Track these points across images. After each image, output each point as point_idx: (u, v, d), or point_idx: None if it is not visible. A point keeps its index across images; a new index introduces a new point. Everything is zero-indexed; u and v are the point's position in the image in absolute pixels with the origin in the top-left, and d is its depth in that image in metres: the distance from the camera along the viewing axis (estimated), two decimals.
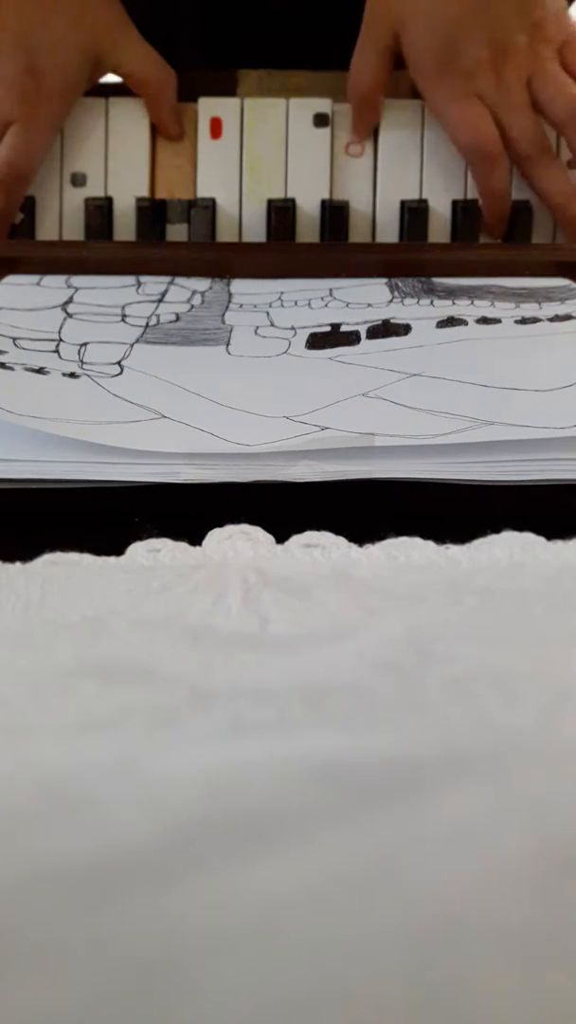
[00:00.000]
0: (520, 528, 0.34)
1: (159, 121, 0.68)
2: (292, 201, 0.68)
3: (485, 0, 0.66)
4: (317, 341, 0.50)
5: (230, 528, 0.34)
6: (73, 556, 0.33)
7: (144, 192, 0.69)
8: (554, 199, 0.68)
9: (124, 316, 0.54)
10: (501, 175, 0.67)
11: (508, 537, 0.34)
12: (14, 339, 0.50)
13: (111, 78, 0.71)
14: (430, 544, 0.33)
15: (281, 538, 0.34)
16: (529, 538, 0.34)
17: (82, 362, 0.47)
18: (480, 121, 0.66)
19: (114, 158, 0.69)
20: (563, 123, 0.67)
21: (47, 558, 0.33)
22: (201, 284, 0.59)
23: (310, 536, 0.34)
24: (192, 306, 0.56)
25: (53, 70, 0.65)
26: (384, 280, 0.59)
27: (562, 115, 0.66)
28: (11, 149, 0.65)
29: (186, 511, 0.37)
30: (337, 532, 0.34)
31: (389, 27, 0.67)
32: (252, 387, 0.45)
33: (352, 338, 0.50)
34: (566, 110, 0.66)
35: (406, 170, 0.69)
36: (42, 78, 0.65)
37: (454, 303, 0.55)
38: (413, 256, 0.65)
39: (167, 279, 0.59)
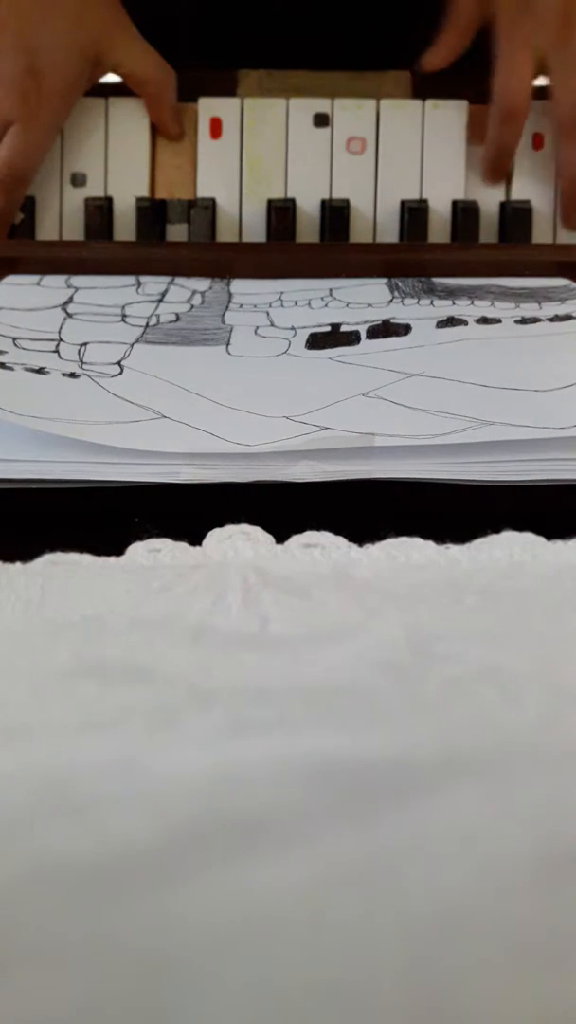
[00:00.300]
0: (520, 528, 0.34)
1: (159, 121, 0.68)
2: (292, 201, 0.68)
3: None
4: (317, 341, 0.50)
5: (230, 528, 0.34)
6: (73, 556, 0.33)
7: (144, 192, 0.69)
8: (570, 172, 0.67)
9: (124, 316, 0.54)
10: (512, 131, 0.67)
11: (508, 537, 0.34)
12: (14, 339, 0.50)
13: (111, 78, 0.71)
14: (430, 544, 0.33)
15: (281, 538, 0.34)
16: (529, 538, 0.34)
17: (82, 362, 0.47)
18: (522, 73, 0.66)
19: (114, 158, 0.69)
20: None
21: (47, 558, 0.33)
22: (201, 284, 0.59)
23: (310, 536, 0.34)
24: (192, 306, 0.56)
25: (53, 70, 0.65)
26: (384, 280, 0.59)
27: None
28: (11, 149, 0.65)
29: (186, 511, 0.37)
30: (337, 532, 0.34)
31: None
32: (252, 387, 0.45)
33: (352, 338, 0.50)
34: None
35: (406, 170, 0.69)
36: (42, 78, 0.65)
37: (454, 303, 0.55)
38: (413, 256, 0.65)
39: (167, 279, 0.59)
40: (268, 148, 0.69)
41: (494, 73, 0.67)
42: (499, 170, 0.68)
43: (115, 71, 0.67)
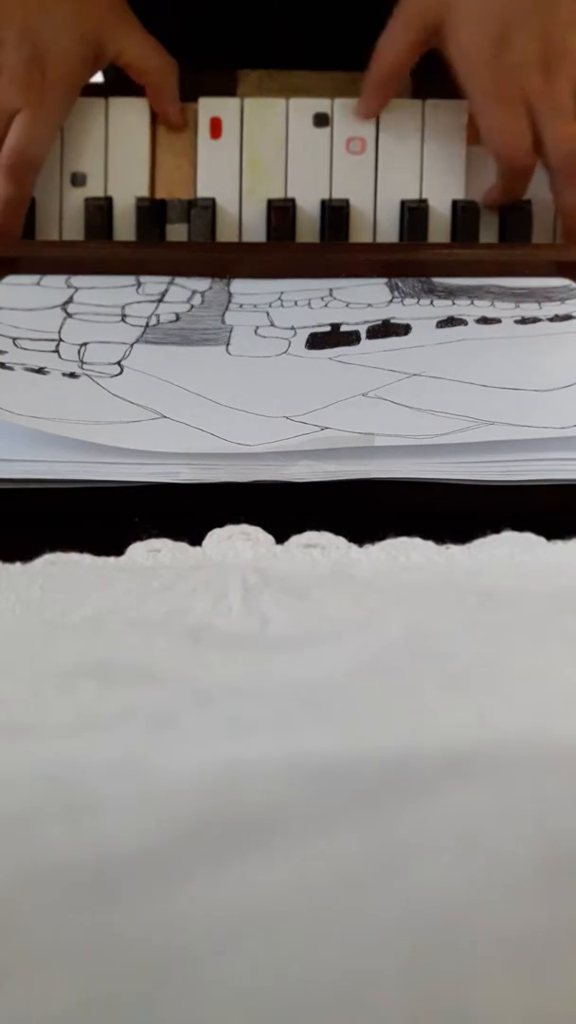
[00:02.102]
0: (520, 528, 0.34)
1: (161, 111, 0.68)
2: (292, 201, 0.68)
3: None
4: (317, 341, 0.50)
5: (230, 528, 0.34)
6: (73, 556, 0.33)
7: (144, 192, 0.69)
8: (573, 219, 0.67)
9: (124, 316, 0.54)
10: (524, 185, 0.66)
11: (508, 537, 0.34)
12: (14, 339, 0.50)
13: (108, 78, 0.71)
14: (430, 544, 0.33)
15: (281, 538, 0.34)
16: (529, 538, 0.34)
17: (82, 362, 0.47)
18: (518, 131, 0.65)
19: (114, 158, 0.69)
20: None
21: (47, 558, 0.33)
22: (201, 284, 0.59)
23: (310, 536, 0.34)
24: (192, 306, 0.56)
25: (57, 59, 0.65)
26: (384, 280, 0.59)
27: None
28: (18, 137, 0.65)
29: (186, 511, 0.37)
30: (337, 532, 0.34)
31: (434, 11, 0.65)
32: (252, 387, 0.45)
33: (352, 338, 0.50)
34: None
35: (406, 170, 0.69)
36: (46, 67, 0.65)
37: (454, 303, 0.55)
38: (413, 256, 0.65)
39: (167, 279, 0.59)
40: (268, 148, 0.69)
41: (480, 126, 0.66)
42: (507, 202, 0.68)
43: (116, 61, 0.67)
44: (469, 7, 0.64)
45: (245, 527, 0.34)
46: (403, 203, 0.69)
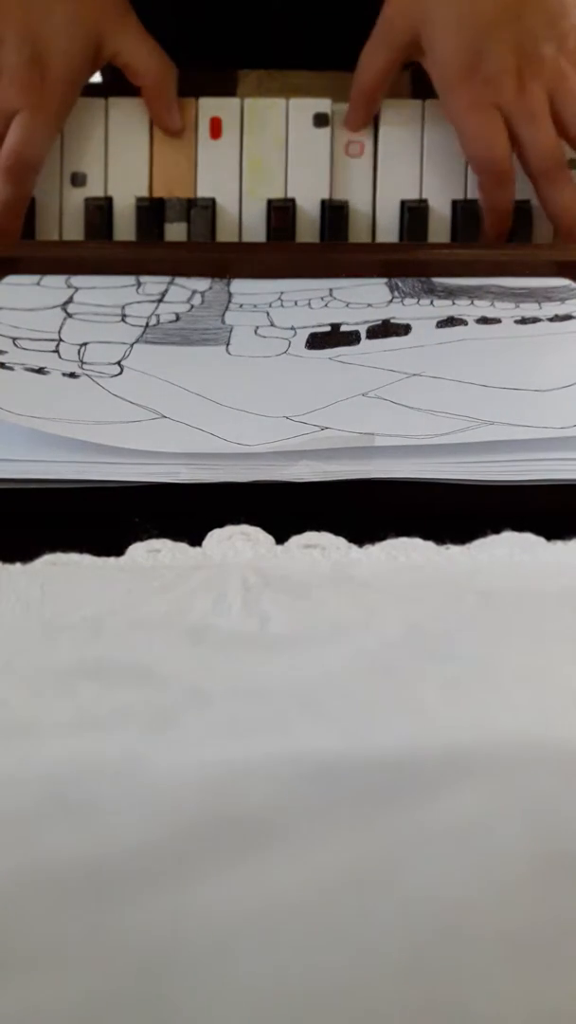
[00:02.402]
0: (520, 528, 0.34)
1: (157, 115, 0.68)
2: (292, 201, 0.68)
3: (516, 8, 0.65)
4: (317, 341, 0.50)
5: (230, 528, 0.34)
6: (73, 556, 0.33)
7: (144, 192, 0.69)
8: (564, 220, 0.67)
9: (124, 316, 0.54)
10: (507, 194, 0.66)
11: (508, 537, 0.34)
12: (14, 339, 0.50)
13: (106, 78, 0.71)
14: (430, 544, 0.33)
15: (281, 538, 0.34)
16: (529, 538, 0.34)
17: (82, 362, 0.47)
18: (495, 137, 0.65)
19: (114, 158, 0.69)
20: None
21: (47, 558, 0.33)
22: (201, 284, 0.59)
23: (310, 536, 0.34)
24: (192, 306, 0.56)
25: (56, 59, 0.65)
26: (384, 280, 0.59)
27: None
28: (18, 138, 0.65)
29: (186, 511, 0.37)
30: (337, 532, 0.34)
31: (409, 25, 0.66)
32: (252, 387, 0.45)
33: (352, 338, 0.50)
34: None
35: (406, 170, 0.69)
36: (46, 67, 0.65)
37: (454, 303, 0.55)
38: (413, 256, 0.65)
39: (167, 279, 0.59)
40: (268, 148, 0.69)
41: (459, 136, 0.66)
42: (503, 231, 0.68)
43: (113, 60, 0.67)
44: (444, 20, 0.65)
45: (245, 527, 0.34)
46: (403, 203, 0.69)
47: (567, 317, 0.52)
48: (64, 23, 0.65)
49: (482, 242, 0.68)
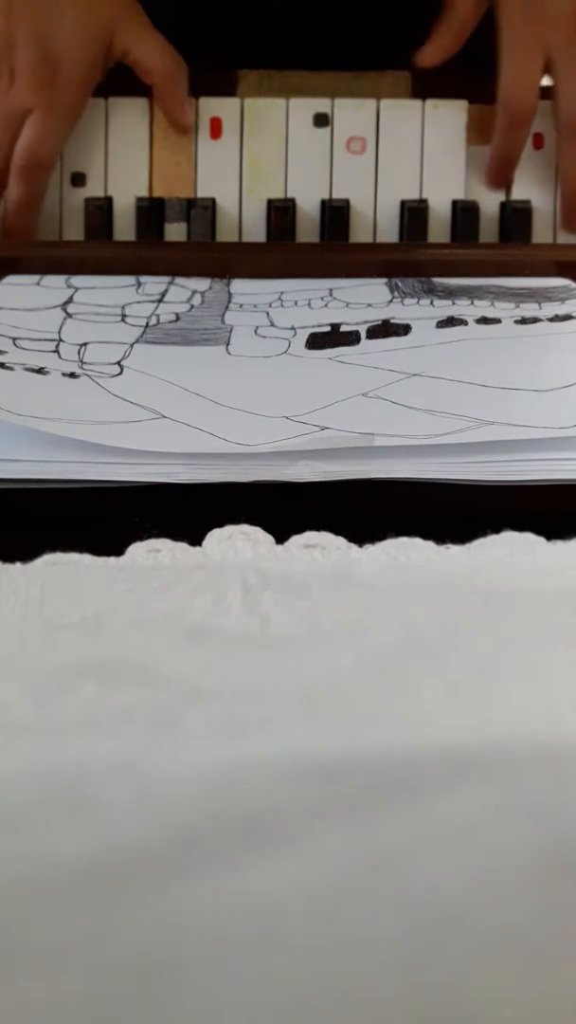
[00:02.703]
0: (520, 528, 0.34)
1: (168, 111, 0.68)
2: (292, 201, 0.68)
3: None
4: (317, 341, 0.50)
5: (230, 528, 0.34)
6: (73, 556, 0.33)
7: (144, 192, 0.69)
8: (570, 178, 0.68)
9: (124, 316, 0.54)
10: (518, 138, 0.67)
11: (508, 537, 0.34)
12: (14, 339, 0.50)
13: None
14: (430, 544, 0.33)
15: (281, 538, 0.34)
16: (529, 538, 0.34)
17: (82, 362, 0.47)
18: (529, 77, 0.66)
19: (114, 158, 0.69)
20: None
21: (47, 558, 0.33)
22: (201, 284, 0.59)
23: (310, 536, 0.34)
24: (192, 306, 0.56)
25: (68, 58, 0.65)
26: (384, 280, 0.59)
27: None
28: (31, 138, 0.65)
29: (186, 511, 0.37)
30: (337, 532, 0.34)
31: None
32: (252, 387, 0.45)
33: (352, 338, 0.50)
34: None
35: (406, 170, 0.69)
36: (58, 66, 0.65)
37: (454, 303, 0.55)
38: (413, 256, 0.65)
39: (167, 279, 0.59)
40: (268, 148, 0.69)
41: (500, 73, 0.67)
42: (503, 176, 0.68)
43: (124, 59, 0.67)
44: None
45: (245, 527, 0.34)
46: (403, 203, 0.69)
47: (567, 317, 0.52)
48: (75, 22, 0.65)
49: (488, 175, 0.68)
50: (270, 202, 0.68)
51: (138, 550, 0.33)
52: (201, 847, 0.20)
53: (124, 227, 0.69)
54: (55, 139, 0.66)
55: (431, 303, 0.55)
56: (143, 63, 0.67)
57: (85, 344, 0.49)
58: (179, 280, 0.59)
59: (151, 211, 0.68)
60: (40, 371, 0.46)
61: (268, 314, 0.54)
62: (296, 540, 0.34)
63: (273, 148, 0.69)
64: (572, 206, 0.68)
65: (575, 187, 0.68)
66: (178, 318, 0.54)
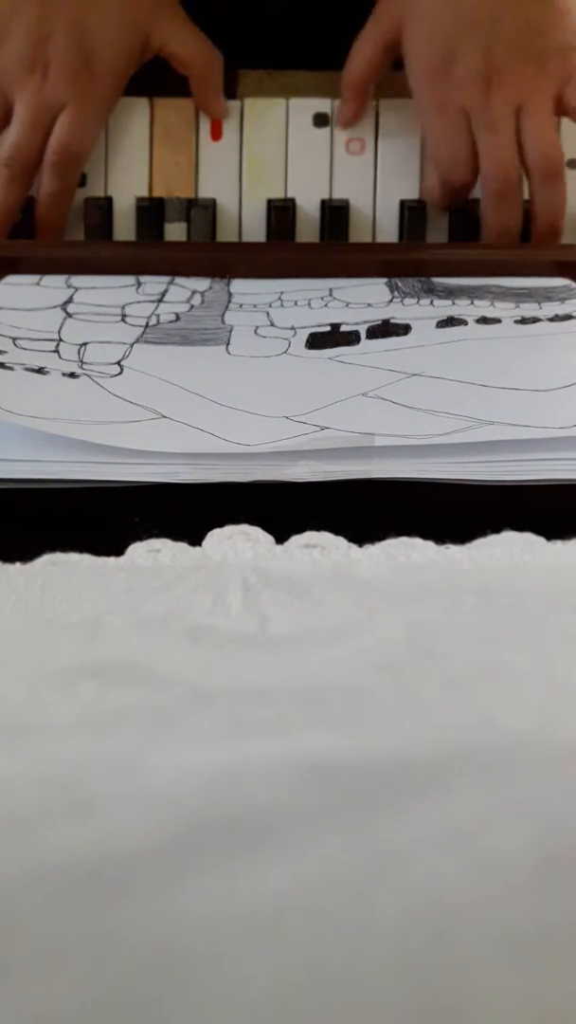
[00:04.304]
0: (520, 528, 0.34)
1: (203, 103, 0.68)
2: (292, 201, 0.68)
3: (494, 16, 0.65)
4: (317, 341, 0.50)
5: (230, 528, 0.34)
6: (73, 556, 0.33)
7: (144, 192, 0.69)
8: (494, 235, 0.67)
9: (124, 316, 0.54)
10: (517, 211, 0.66)
11: (508, 537, 0.34)
12: (14, 339, 0.50)
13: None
14: (430, 544, 0.33)
15: (281, 538, 0.34)
16: (529, 538, 0.34)
17: (82, 362, 0.47)
18: (456, 139, 0.65)
19: (114, 158, 0.69)
20: (531, 172, 0.66)
21: (47, 558, 0.33)
22: (201, 284, 0.59)
23: (310, 536, 0.34)
24: (192, 306, 0.56)
25: (104, 51, 0.65)
26: (384, 280, 0.59)
27: (534, 161, 0.65)
28: (65, 131, 0.65)
29: (186, 511, 0.37)
30: (337, 532, 0.34)
31: (395, 21, 0.66)
32: (252, 387, 0.45)
33: (352, 338, 0.50)
34: (539, 161, 0.65)
35: (406, 170, 0.69)
36: (93, 60, 0.65)
37: (454, 303, 0.55)
38: (413, 256, 0.65)
39: (167, 279, 0.59)
40: (268, 148, 0.69)
41: (430, 146, 0.67)
42: (451, 200, 0.68)
43: (161, 52, 0.67)
44: (422, 22, 0.66)
45: (245, 527, 0.34)
46: (403, 203, 0.69)
47: (567, 317, 0.52)
48: (112, 16, 0.65)
49: (482, 242, 0.68)
50: (270, 202, 0.69)
51: (138, 550, 0.33)
52: (201, 847, 0.20)
53: (124, 227, 0.69)
54: (90, 134, 0.66)
55: (431, 303, 0.55)
56: (181, 56, 0.67)
57: (85, 344, 0.49)
58: (179, 280, 0.59)
59: (151, 211, 0.68)
60: (40, 371, 0.46)
61: (268, 314, 0.54)
62: (296, 540, 0.34)
63: (273, 148, 0.69)
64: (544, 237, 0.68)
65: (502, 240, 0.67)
66: (178, 318, 0.54)
